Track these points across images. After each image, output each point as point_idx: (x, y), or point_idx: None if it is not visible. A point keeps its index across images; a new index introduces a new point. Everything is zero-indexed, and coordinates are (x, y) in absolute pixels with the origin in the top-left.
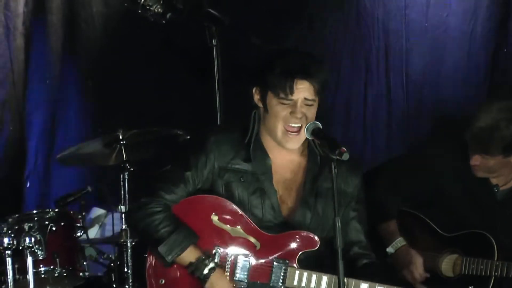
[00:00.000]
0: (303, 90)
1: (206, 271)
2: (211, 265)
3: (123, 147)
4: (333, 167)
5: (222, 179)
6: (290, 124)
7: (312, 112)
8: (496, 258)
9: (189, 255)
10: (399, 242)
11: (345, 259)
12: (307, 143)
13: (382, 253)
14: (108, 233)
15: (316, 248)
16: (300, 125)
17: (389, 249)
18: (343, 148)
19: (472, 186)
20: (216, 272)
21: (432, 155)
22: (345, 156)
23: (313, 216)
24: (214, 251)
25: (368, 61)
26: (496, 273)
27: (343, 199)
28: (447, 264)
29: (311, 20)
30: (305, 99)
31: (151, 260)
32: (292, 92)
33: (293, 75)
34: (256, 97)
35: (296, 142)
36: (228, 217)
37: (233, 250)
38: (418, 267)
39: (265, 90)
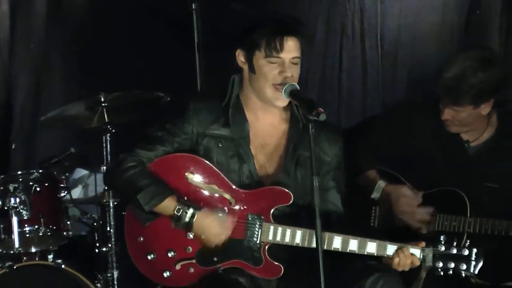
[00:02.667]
0: (291, 48)
1: (187, 218)
2: (191, 211)
3: (105, 110)
4: (310, 127)
5: (201, 144)
6: (280, 83)
7: (297, 72)
8: (469, 215)
9: (168, 204)
10: (381, 184)
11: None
12: (289, 109)
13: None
14: (91, 193)
15: (289, 203)
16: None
17: (374, 195)
18: (320, 109)
19: (444, 143)
20: (197, 215)
21: (404, 114)
22: (322, 117)
23: (292, 184)
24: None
25: (343, 24)
26: (469, 230)
27: (322, 167)
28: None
29: None
30: (292, 58)
31: (129, 218)
32: (282, 49)
33: (282, 32)
34: (240, 59)
35: (284, 101)
36: (203, 174)
37: (208, 207)
38: (408, 194)
39: (252, 51)
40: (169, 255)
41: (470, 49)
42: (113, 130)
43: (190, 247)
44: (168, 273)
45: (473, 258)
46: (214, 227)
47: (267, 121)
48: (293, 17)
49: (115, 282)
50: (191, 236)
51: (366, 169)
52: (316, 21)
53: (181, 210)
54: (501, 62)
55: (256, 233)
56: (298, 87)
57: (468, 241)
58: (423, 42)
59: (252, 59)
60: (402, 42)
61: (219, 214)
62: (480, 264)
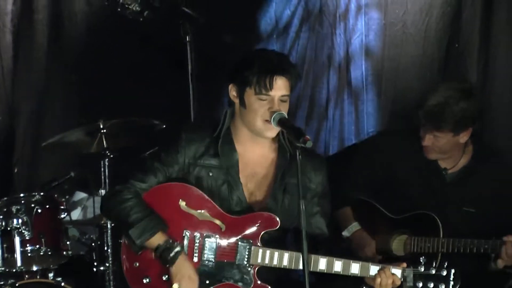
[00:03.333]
0: (280, 86)
1: (172, 254)
2: (178, 248)
3: (103, 136)
4: (297, 154)
5: (192, 173)
6: (268, 119)
7: (286, 108)
8: (441, 236)
9: (158, 239)
10: (354, 226)
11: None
12: (277, 140)
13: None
14: (90, 215)
15: (277, 228)
16: None
17: (345, 233)
18: (307, 136)
19: (423, 170)
20: (181, 256)
21: (384, 142)
22: (309, 144)
23: (279, 209)
24: (183, 234)
25: (330, 56)
26: (442, 249)
27: (308, 194)
28: (398, 244)
29: (277, 19)
30: (281, 95)
31: (125, 245)
32: (271, 87)
33: (273, 72)
34: (233, 94)
35: (274, 131)
36: (195, 202)
37: (200, 233)
38: (370, 249)
39: (243, 87)
40: (163, 278)
41: (451, 80)
42: (111, 155)
43: None
44: None
45: (451, 279)
46: (187, 278)
47: (256, 152)
48: (283, 55)
49: None
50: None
51: (344, 203)
52: (304, 54)
53: (167, 246)
54: (479, 94)
55: (246, 256)
56: (286, 116)
57: (446, 262)
58: (405, 74)
59: (244, 95)
60: (385, 74)
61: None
62: (458, 285)
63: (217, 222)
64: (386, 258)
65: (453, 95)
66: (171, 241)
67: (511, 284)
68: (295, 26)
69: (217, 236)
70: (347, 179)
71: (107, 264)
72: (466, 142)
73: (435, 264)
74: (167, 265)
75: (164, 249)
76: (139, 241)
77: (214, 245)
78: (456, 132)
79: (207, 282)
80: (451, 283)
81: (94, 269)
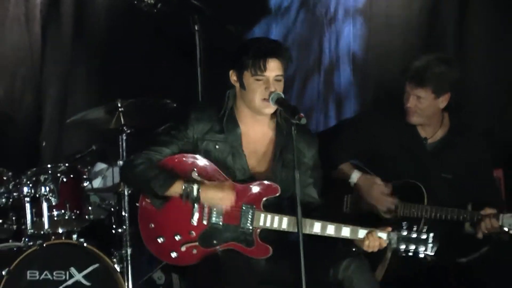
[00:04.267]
0: (273, 68)
1: (195, 192)
2: (196, 186)
3: (121, 114)
4: (293, 129)
5: (201, 147)
6: (266, 98)
7: (280, 87)
8: (426, 203)
9: (178, 185)
10: (357, 172)
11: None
12: (275, 119)
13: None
14: (109, 183)
15: (277, 194)
16: None
17: (351, 180)
18: (301, 114)
19: (405, 141)
20: (202, 188)
21: (372, 118)
22: (303, 120)
23: (278, 181)
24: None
25: (321, 44)
26: (425, 215)
27: (301, 167)
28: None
29: (278, 9)
30: (276, 75)
31: (142, 208)
32: (265, 69)
33: (265, 55)
34: (233, 78)
35: (271, 108)
36: (204, 171)
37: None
38: (379, 184)
39: (241, 71)
40: (176, 238)
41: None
42: (128, 131)
43: (193, 232)
44: (175, 254)
45: (430, 241)
46: (217, 194)
47: (256, 129)
48: (275, 41)
49: (128, 258)
50: (194, 222)
51: (340, 162)
52: (299, 41)
53: (188, 188)
54: (457, 65)
55: (249, 219)
56: (283, 96)
57: (426, 226)
58: (388, 60)
59: (242, 78)
60: (370, 60)
61: (221, 183)
62: (436, 247)
63: None
64: (375, 221)
65: (434, 59)
66: (187, 184)
67: (483, 252)
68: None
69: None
70: (340, 147)
71: (124, 227)
72: (443, 114)
73: (417, 228)
74: (198, 202)
75: (188, 191)
76: (162, 190)
77: (220, 210)
78: (437, 94)
79: (215, 242)
80: (430, 245)
81: (113, 231)
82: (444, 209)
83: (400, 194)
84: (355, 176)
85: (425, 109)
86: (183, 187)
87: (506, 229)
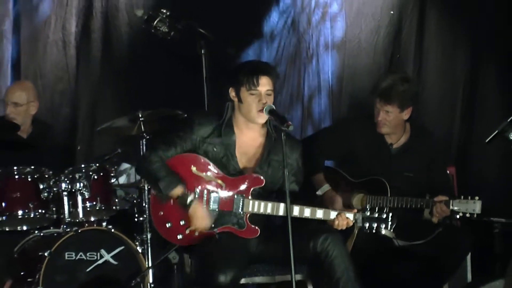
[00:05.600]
0: (264, 83)
1: (188, 201)
2: (191, 197)
3: (141, 122)
4: (282, 135)
5: (201, 148)
6: (260, 109)
7: (271, 99)
8: (389, 195)
9: (178, 190)
10: (326, 187)
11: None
12: (266, 128)
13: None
14: (132, 180)
15: (262, 185)
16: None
17: (319, 192)
18: (289, 122)
19: (374, 146)
20: (195, 202)
21: (346, 125)
22: (291, 128)
23: (264, 177)
24: (194, 190)
25: (305, 65)
26: (390, 205)
27: (287, 166)
28: (357, 201)
29: (271, 36)
30: (267, 90)
31: (153, 199)
32: (258, 84)
33: (257, 73)
34: (232, 94)
35: (264, 118)
36: (202, 167)
37: (207, 189)
38: (338, 204)
39: (239, 87)
40: (181, 223)
41: (396, 71)
42: (147, 137)
43: None
44: (180, 236)
45: (389, 220)
46: (200, 217)
47: (249, 136)
48: (264, 62)
49: (148, 241)
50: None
51: (316, 169)
52: (286, 62)
53: (184, 196)
54: (417, 82)
55: (240, 206)
56: (274, 107)
57: (387, 209)
58: (360, 77)
59: (240, 93)
60: (345, 77)
61: (207, 209)
62: (394, 224)
63: (219, 181)
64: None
65: (398, 80)
66: (186, 192)
67: (437, 233)
68: (279, 39)
69: (219, 191)
70: (318, 152)
71: (145, 216)
72: (406, 124)
73: (378, 209)
74: (185, 209)
75: (183, 197)
76: (166, 191)
77: (217, 199)
78: (401, 109)
79: (213, 225)
80: (389, 223)
81: (135, 219)
82: (404, 198)
83: (367, 188)
84: (323, 189)
85: (392, 121)
86: (181, 194)
87: (456, 210)
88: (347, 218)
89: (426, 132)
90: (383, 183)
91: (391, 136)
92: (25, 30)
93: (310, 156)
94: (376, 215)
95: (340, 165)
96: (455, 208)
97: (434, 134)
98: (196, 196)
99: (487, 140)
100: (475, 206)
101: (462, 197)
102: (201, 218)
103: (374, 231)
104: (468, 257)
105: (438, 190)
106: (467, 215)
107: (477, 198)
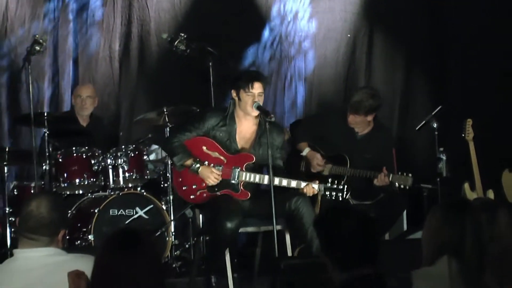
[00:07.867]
0: (257, 87)
1: (196, 167)
2: (198, 164)
3: (166, 115)
4: (266, 124)
5: (211, 133)
6: (253, 106)
7: (262, 99)
8: (348, 166)
9: (188, 161)
10: (307, 150)
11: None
12: (258, 119)
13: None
14: (159, 157)
15: (253, 161)
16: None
17: (303, 153)
18: (272, 115)
19: (344, 133)
20: (202, 167)
21: (326, 115)
22: (273, 119)
23: (256, 155)
24: (204, 163)
25: (286, 73)
26: (348, 174)
27: (273, 147)
28: (326, 169)
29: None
30: (259, 92)
31: (174, 169)
32: (252, 88)
33: (252, 79)
34: (233, 94)
35: (256, 112)
36: (211, 147)
37: (213, 163)
38: (318, 158)
39: (238, 90)
40: (193, 187)
41: (364, 88)
42: (170, 125)
43: (204, 183)
44: (193, 196)
45: (344, 190)
46: (207, 176)
47: (246, 125)
48: (258, 71)
49: (171, 202)
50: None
51: (301, 140)
52: (272, 70)
53: (193, 165)
54: (380, 96)
55: (236, 176)
56: (261, 104)
57: (343, 180)
58: (327, 82)
59: (239, 94)
60: (315, 82)
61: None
62: (348, 193)
63: (222, 158)
64: (318, 177)
65: (366, 95)
66: (194, 162)
67: (382, 196)
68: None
69: (222, 165)
70: (300, 131)
71: (168, 183)
72: (370, 121)
73: (337, 181)
74: (197, 174)
75: (192, 165)
76: (178, 162)
77: (220, 169)
78: (366, 116)
79: (216, 189)
80: (345, 192)
81: (161, 185)
82: (358, 170)
83: (333, 161)
84: (305, 151)
85: (359, 123)
86: (190, 164)
87: (393, 182)
88: (313, 187)
89: (384, 127)
90: (344, 158)
91: (359, 128)
92: (83, 50)
93: (297, 131)
94: (335, 186)
95: (317, 143)
96: (393, 180)
97: (390, 129)
98: (205, 163)
99: (417, 128)
100: (407, 181)
101: (399, 173)
102: (208, 175)
103: (333, 198)
104: (404, 213)
105: (385, 165)
106: (401, 186)
107: (410, 175)
